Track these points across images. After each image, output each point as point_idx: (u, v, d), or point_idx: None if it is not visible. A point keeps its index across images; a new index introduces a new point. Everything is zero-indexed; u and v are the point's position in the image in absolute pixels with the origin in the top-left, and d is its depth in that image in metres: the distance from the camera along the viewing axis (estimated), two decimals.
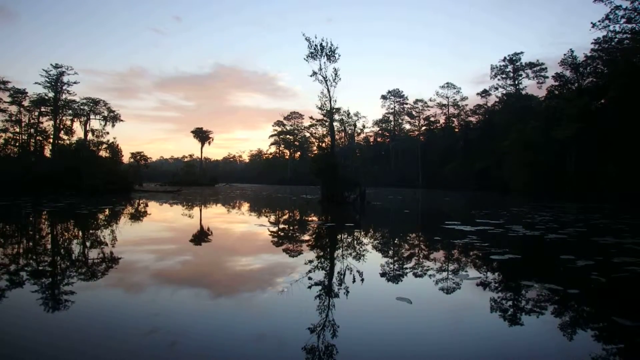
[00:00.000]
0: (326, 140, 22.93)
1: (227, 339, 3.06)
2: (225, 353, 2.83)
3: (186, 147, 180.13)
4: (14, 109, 38.00)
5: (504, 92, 57.06)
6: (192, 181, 63.24)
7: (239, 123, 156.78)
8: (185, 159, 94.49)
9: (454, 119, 70.31)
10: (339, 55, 20.45)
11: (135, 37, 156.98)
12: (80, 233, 9.55)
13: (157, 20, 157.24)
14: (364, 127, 73.06)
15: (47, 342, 3.01)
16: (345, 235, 9.49)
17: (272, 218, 14.29)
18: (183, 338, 3.03)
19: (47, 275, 5.11)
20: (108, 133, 42.37)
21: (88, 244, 7.67)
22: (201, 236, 9.27)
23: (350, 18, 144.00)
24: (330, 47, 20.24)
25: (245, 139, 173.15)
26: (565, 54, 41.63)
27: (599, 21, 32.66)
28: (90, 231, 9.74)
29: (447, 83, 69.63)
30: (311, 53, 20.39)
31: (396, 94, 76.68)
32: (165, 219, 13.77)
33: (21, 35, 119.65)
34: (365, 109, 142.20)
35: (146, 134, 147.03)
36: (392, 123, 78.61)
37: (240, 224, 11.92)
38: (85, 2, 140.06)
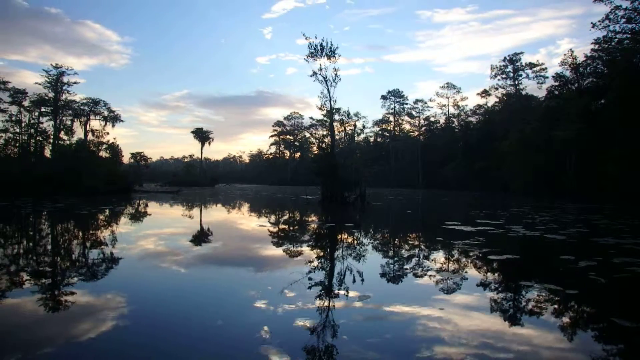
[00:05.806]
0: (326, 140, 22.90)
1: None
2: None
3: (190, 148, 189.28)
4: (14, 109, 37.96)
5: (504, 92, 57.02)
6: (192, 181, 63.23)
7: (257, 131, 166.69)
8: (185, 159, 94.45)
9: (454, 119, 70.28)
10: (339, 55, 20.46)
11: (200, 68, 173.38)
12: (81, 233, 9.56)
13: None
14: (364, 127, 72.87)
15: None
16: (345, 235, 9.49)
17: (273, 218, 14.30)
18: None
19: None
20: (108, 133, 42.28)
21: (89, 243, 7.68)
22: (201, 238, 9.27)
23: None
24: (330, 47, 20.24)
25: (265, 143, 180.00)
26: (565, 54, 41.64)
27: (599, 21, 32.67)
28: (92, 231, 9.75)
29: (447, 83, 69.69)
30: (311, 53, 20.36)
31: (396, 94, 76.64)
32: (165, 220, 13.76)
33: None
34: (365, 109, 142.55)
35: (173, 138, 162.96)
36: (392, 123, 78.62)
37: (241, 224, 11.92)
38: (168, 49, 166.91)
